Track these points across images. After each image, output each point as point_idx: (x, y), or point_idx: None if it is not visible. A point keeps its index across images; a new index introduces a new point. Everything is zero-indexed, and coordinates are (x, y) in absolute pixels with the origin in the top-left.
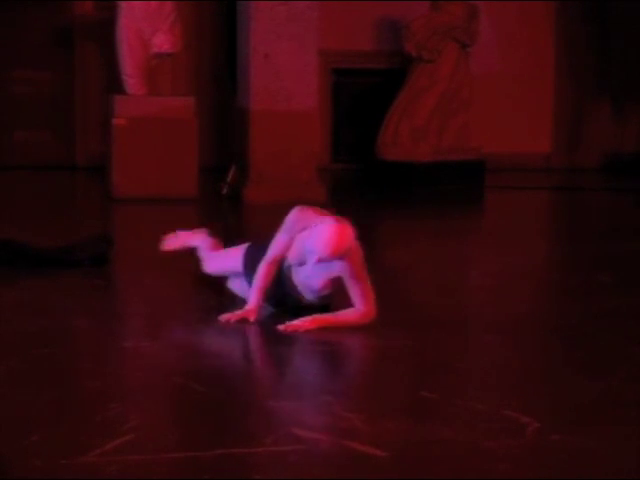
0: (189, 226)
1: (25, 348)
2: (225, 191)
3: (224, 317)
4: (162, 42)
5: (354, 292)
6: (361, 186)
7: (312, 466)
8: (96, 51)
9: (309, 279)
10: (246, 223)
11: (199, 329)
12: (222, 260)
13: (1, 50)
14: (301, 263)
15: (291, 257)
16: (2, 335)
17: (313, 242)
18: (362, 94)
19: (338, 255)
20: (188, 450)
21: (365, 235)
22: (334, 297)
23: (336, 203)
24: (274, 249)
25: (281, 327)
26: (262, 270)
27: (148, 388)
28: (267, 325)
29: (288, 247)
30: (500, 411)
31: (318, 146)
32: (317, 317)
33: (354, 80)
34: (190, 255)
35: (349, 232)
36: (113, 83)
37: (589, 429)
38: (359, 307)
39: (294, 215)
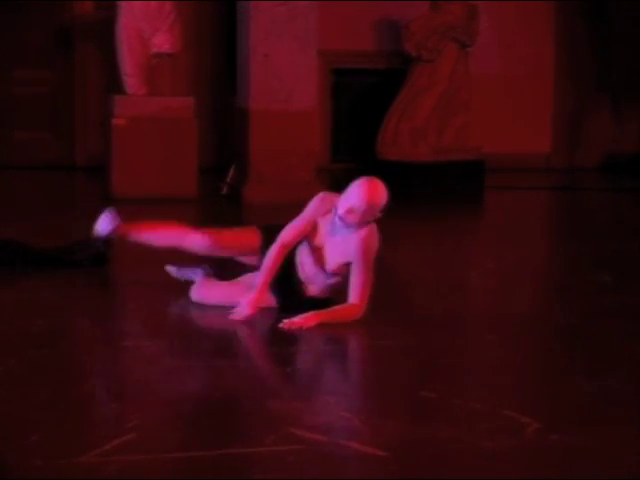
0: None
1: (25, 348)
2: (225, 191)
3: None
4: (162, 42)
5: (355, 280)
6: None
7: (312, 466)
8: (96, 51)
9: (323, 259)
10: (246, 223)
11: (198, 329)
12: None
13: (1, 50)
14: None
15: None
16: (2, 335)
17: (347, 195)
18: (362, 94)
19: (372, 204)
20: (188, 450)
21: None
22: (335, 295)
23: None
24: (288, 232)
25: (283, 325)
26: (273, 252)
27: (148, 388)
28: (267, 325)
29: (302, 233)
30: (500, 411)
31: (317, 146)
32: (317, 313)
33: (354, 80)
34: (189, 255)
35: (383, 188)
36: (113, 83)
37: (589, 429)
38: (352, 300)
39: (316, 200)
